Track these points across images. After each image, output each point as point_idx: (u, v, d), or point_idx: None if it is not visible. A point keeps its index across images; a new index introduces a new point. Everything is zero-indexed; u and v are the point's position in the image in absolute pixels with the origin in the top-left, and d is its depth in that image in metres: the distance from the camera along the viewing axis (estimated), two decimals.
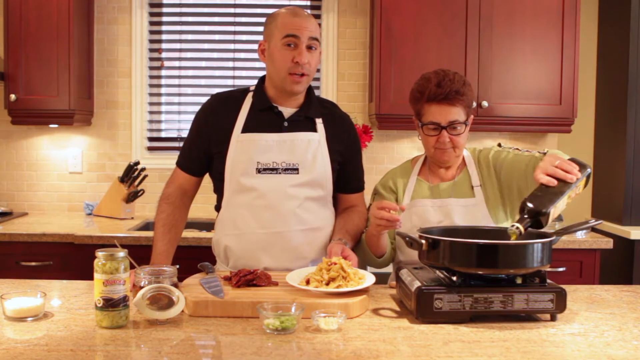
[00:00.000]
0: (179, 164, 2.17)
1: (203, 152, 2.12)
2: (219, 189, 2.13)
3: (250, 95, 2.13)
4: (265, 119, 2.08)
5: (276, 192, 2.03)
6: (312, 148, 2.07)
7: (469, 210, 2.07)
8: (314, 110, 2.12)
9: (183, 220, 2.17)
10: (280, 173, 2.04)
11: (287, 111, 2.09)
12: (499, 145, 2.16)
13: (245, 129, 2.06)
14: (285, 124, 2.07)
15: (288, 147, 2.05)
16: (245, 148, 2.05)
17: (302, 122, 2.09)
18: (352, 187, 2.22)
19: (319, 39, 2.04)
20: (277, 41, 2.02)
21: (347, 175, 2.18)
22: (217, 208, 2.15)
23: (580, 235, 3.13)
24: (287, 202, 2.03)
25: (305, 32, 1.99)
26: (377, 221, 1.89)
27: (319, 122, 2.11)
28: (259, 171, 2.03)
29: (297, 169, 2.05)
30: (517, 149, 2.09)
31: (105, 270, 1.53)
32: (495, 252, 1.62)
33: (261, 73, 3.73)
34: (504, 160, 2.07)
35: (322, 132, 2.10)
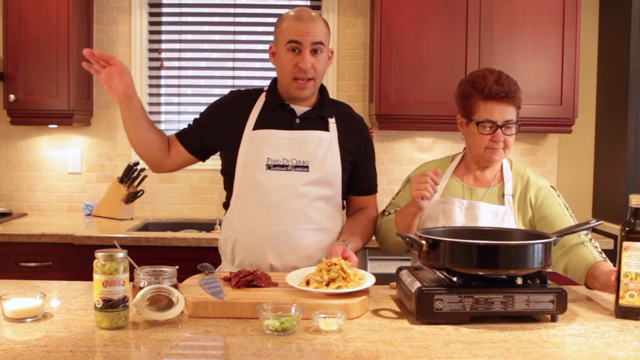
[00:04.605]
0: (176, 133, 2.21)
1: (205, 134, 2.14)
2: (228, 186, 2.13)
3: (263, 95, 2.14)
4: (277, 116, 2.09)
5: (286, 189, 2.02)
6: (323, 146, 2.06)
7: (496, 217, 2.02)
8: (327, 110, 2.12)
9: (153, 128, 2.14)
10: (290, 170, 2.04)
11: (300, 109, 2.10)
12: (553, 188, 2.10)
13: (257, 126, 2.07)
14: (297, 121, 2.08)
15: (299, 144, 2.05)
16: (256, 144, 2.05)
17: (314, 121, 2.09)
18: (364, 189, 2.21)
19: (324, 42, 2.03)
20: (282, 46, 2.03)
21: (358, 177, 2.17)
22: (226, 206, 2.15)
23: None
24: (297, 201, 2.02)
25: (308, 38, 1.99)
26: (419, 186, 1.84)
27: (331, 121, 2.11)
28: (268, 167, 2.03)
29: (307, 167, 2.04)
30: (566, 206, 2.05)
31: (104, 271, 1.52)
32: (496, 252, 1.62)
33: (261, 74, 3.78)
34: (550, 207, 2.02)
35: (334, 132, 2.10)
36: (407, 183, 2.20)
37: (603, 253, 1.94)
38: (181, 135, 2.19)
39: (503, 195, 2.05)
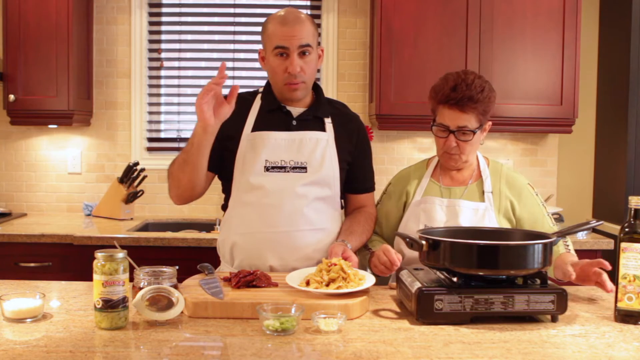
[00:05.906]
0: None
1: (214, 146, 2.09)
2: (226, 189, 2.13)
3: (259, 97, 2.14)
4: (274, 118, 2.08)
5: (284, 190, 2.02)
6: (320, 147, 2.07)
7: (476, 214, 2.05)
8: (323, 110, 2.12)
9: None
10: (288, 171, 2.04)
11: (296, 110, 2.10)
12: (531, 186, 2.13)
13: (255, 128, 2.07)
14: (294, 122, 2.08)
15: (297, 145, 2.05)
16: (254, 146, 2.05)
17: (311, 122, 2.10)
18: (361, 188, 2.21)
19: (311, 44, 2.01)
20: (269, 52, 2.03)
21: (356, 176, 2.18)
22: (224, 207, 2.15)
23: (581, 236, 3.12)
24: (295, 201, 2.02)
25: (294, 41, 1.98)
26: (380, 263, 1.91)
27: (327, 121, 2.11)
28: (267, 169, 2.03)
29: (305, 168, 2.04)
30: (544, 204, 2.10)
31: (104, 271, 1.52)
32: (496, 253, 1.62)
33: (261, 74, 3.77)
34: (530, 207, 2.07)
35: (331, 132, 2.10)
36: (384, 195, 2.24)
37: (570, 245, 2.03)
38: None
39: (483, 192, 2.08)
